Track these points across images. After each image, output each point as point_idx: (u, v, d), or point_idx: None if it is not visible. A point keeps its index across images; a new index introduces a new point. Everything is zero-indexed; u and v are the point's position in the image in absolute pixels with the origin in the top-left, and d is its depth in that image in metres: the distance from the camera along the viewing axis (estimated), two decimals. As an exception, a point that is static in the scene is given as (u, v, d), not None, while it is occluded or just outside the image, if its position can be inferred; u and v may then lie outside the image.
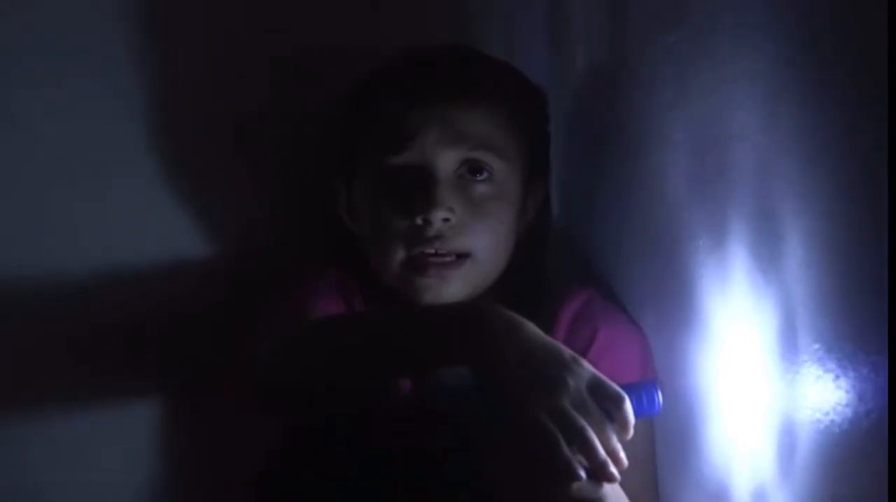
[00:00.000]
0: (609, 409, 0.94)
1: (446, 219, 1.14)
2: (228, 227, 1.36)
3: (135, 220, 1.33)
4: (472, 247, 1.15)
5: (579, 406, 0.93)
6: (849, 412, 0.80)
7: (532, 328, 0.97)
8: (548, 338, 0.97)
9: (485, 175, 1.16)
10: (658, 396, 0.98)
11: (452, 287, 1.15)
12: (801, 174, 0.85)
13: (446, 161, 1.15)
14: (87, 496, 1.34)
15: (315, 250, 1.35)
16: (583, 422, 0.92)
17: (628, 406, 0.94)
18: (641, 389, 0.97)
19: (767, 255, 0.90)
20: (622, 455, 0.94)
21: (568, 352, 0.96)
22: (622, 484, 0.97)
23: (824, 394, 0.82)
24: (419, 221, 1.13)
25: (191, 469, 1.37)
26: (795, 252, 0.86)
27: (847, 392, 0.80)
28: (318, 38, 1.34)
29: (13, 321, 1.31)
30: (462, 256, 1.15)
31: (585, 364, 0.95)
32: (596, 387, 0.94)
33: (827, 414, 0.82)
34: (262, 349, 1.10)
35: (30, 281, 1.31)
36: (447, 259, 1.15)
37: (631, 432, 0.95)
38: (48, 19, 1.28)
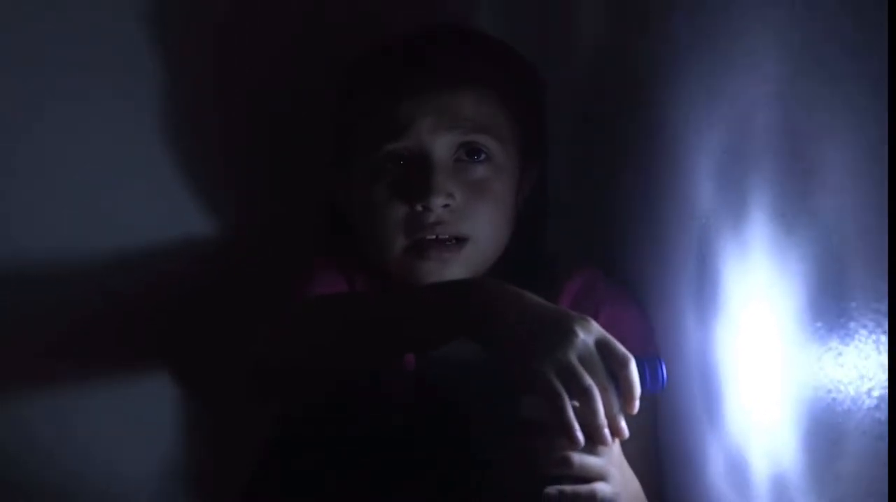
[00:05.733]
0: (614, 371, 0.94)
1: (446, 205, 1.13)
2: (228, 219, 1.37)
3: (136, 213, 1.34)
4: (473, 230, 1.15)
5: (586, 360, 0.92)
6: (850, 389, 0.81)
7: (533, 296, 0.97)
8: (550, 303, 0.97)
9: (482, 157, 1.16)
10: (662, 371, 0.97)
11: (453, 270, 1.15)
12: (812, 153, 0.85)
13: (443, 146, 1.14)
14: (92, 478, 1.36)
15: (313, 235, 1.35)
16: (589, 382, 0.92)
17: (634, 367, 0.94)
18: (645, 363, 0.97)
19: (768, 234, 0.90)
20: (623, 424, 0.94)
21: (575, 312, 0.96)
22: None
23: (826, 371, 0.83)
24: (419, 208, 1.13)
25: (192, 459, 1.38)
26: (796, 230, 0.87)
27: (848, 369, 0.80)
28: (315, 24, 1.34)
29: (20, 306, 1.32)
30: (462, 240, 1.15)
31: (594, 322, 0.95)
32: (604, 346, 0.94)
33: (829, 391, 0.83)
34: (263, 333, 1.10)
35: (32, 273, 1.32)
36: (448, 243, 1.14)
37: (636, 402, 0.95)
38: (53, 22, 1.29)
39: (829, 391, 0.82)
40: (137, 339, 1.36)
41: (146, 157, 1.33)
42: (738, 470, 0.98)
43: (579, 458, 0.94)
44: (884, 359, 0.76)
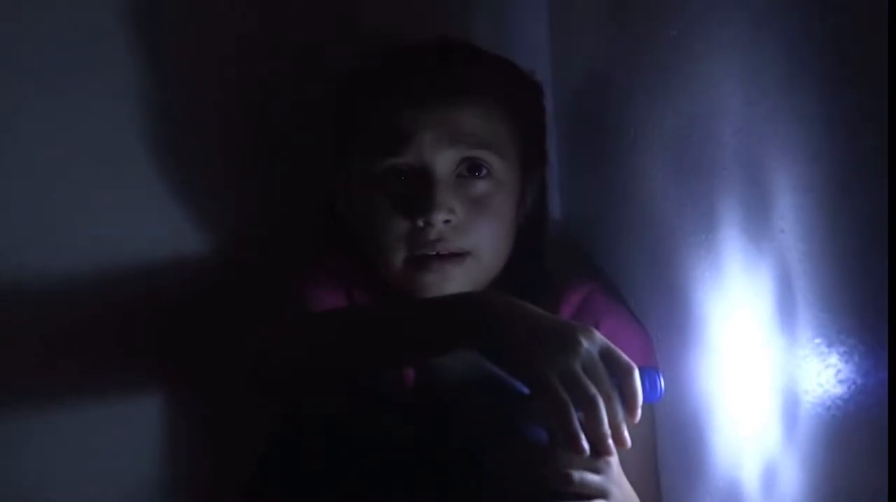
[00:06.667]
0: (618, 380, 0.94)
1: (447, 220, 1.14)
2: (228, 220, 1.37)
3: (136, 215, 1.34)
4: (474, 245, 1.15)
5: (590, 368, 0.92)
6: (850, 406, 0.80)
7: (535, 307, 0.97)
8: (553, 314, 0.97)
9: (483, 172, 1.16)
10: (660, 382, 0.98)
11: (454, 283, 1.14)
12: (800, 167, 0.85)
13: (444, 161, 1.14)
14: (87, 488, 1.35)
15: (313, 236, 1.35)
16: (594, 390, 0.91)
17: (637, 377, 0.94)
18: (644, 374, 0.97)
19: (765, 250, 0.90)
20: (626, 433, 0.93)
21: (578, 323, 0.96)
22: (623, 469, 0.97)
23: (826, 388, 0.83)
24: (420, 223, 1.13)
25: (192, 460, 1.38)
26: (795, 245, 0.86)
27: (848, 386, 0.80)
28: (314, 31, 1.34)
29: (14, 315, 1.32)
30: (463, 254, 1.15)
31: (597, 332, 0.95)
32: (607, 355, 0.94)
33: (829, 408, 0.83)
34: (263, 334, 1.10)
35: (31, 275, 1.32)
36: (449, 257, 1.15)
37: (638, 411, 0.94)
38: (51, 22, 1.29)
39: (829, 408, 0.82)
40: (137, 341, 1.35)
41: (146, 159, 1.33)
42: (735, 487, 0.98)
43: (580, 476, 0.93)
44: (883, 375, 0.76)
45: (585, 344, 0.93)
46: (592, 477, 0.94)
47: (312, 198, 1.33)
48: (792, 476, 0.88)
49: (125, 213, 1.33)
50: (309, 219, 1.35)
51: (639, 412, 0.95)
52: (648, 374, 0.97)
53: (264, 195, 1.36)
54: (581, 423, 0.92)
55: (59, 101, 1.30)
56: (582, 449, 0.91)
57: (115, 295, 1.33)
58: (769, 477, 0.92)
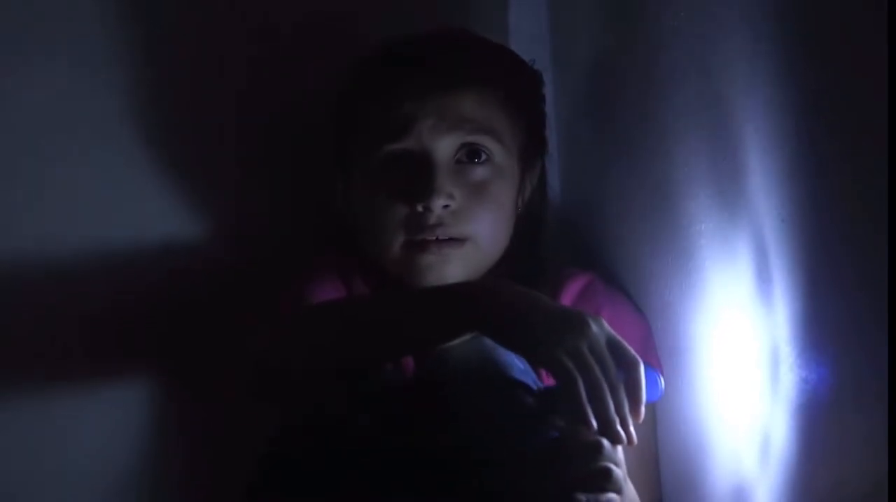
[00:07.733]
0: (623, 373, 0.92)
1: (446, 206, 1.13)
2: (225, 214, 1.36)
3: (132, 208, 1.33)
4: (473, 231, 1.15)
5: (598, 354, 0.91)
6: (852, 396, 0.81)
7: (539, 293, 0.97)
8: (558, 303, 0.97)
9: (483, 158, 1.16)
10: (660, 382, 0.98)
11: (453, 268, 1.14)
12: (801, 157, 0.85)
13: (444, 147, 1.14)
14: (84, 489, 1.35)
15: (313, 235, 1.35)
16: (599, 375, 0.90)
17: (642, 372, 0.93)
18: (645, 373, 0.96)
19: (764, 239, 0.90)
20: (631, 428, 0.92)
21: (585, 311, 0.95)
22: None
23: (825, 387, 0.83)
24: (419, 208, 1.13)
25: (192, 460, 1.38)
26: (796, 235, 0.86)
27: (848, 383, 0.80)
28: (314, 25, 1.34)
29: (12, 314, 1.31)
30: (462, 239, 1.15)
31: (605, 322, 0.94)
32: (613, 347, 0.93)
33: (828, 401, 0.83)
34: (263, 335, 1.10)
35: (28, 274, 1.31)
36: (448, 241, 1.14)
37: (642, 407, 0.93)
38: (52, 19, 1.28)
39: (828, 401, 0.82)
40: (136, 341, 1.35)
41: (145, 158, 1.33)
42: (736, 482, 0.98)
43: (617, 472, 0.91)
44: (883, 367, 0.76)
45: (594, 329, 0.92)
46: (619, 472, 0.92)
47: (312, 197, 1.32)
48: (794, 469, 0.88)
49: (123, 212, 1.32)
50: (309, 218, 1.34)
51: (642, 409, 0.94)
52: (649, 373, 0.96)
53: (264, 194, 1.36)
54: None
55: (58, 99, 1.29)
56: (590, 424, 0.90)
57: (113, 294, 1.33)
58: (772, 470, 0.92)
